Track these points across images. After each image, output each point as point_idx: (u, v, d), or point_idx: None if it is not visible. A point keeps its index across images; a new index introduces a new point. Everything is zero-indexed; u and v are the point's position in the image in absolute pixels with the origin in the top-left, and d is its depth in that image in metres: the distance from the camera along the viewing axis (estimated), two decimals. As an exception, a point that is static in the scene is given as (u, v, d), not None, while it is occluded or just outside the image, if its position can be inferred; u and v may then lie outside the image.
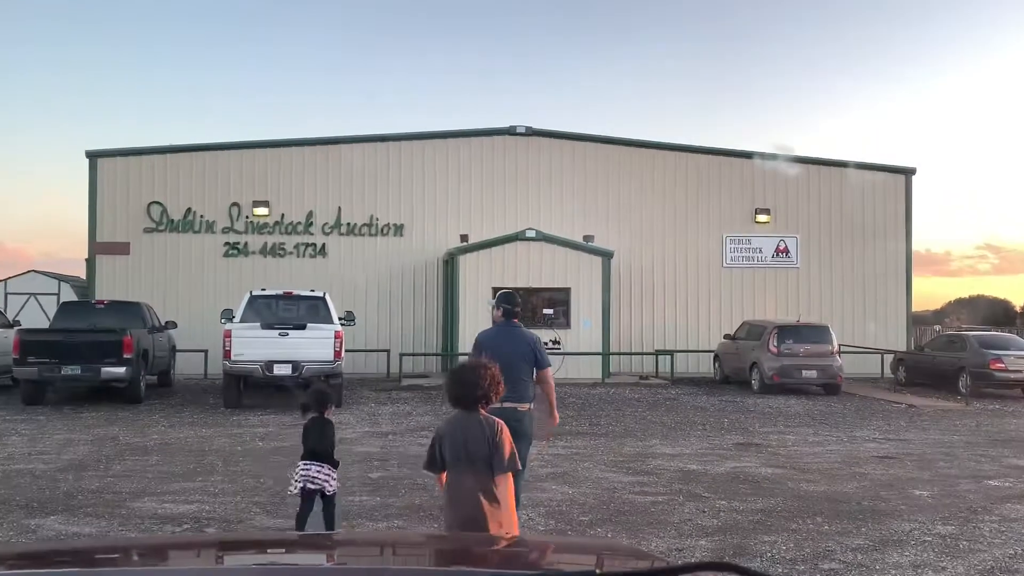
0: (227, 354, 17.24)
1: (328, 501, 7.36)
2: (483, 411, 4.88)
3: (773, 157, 28.15)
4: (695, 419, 16.68)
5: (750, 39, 77.92)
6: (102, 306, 19.96)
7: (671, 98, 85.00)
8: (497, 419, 4.91)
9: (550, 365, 7.71)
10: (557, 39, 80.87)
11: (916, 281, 28.68)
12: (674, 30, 76.94)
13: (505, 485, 4.76)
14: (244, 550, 3.04)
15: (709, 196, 27.75)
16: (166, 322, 21.25)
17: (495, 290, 24.02)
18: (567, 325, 24.08)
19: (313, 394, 7.70)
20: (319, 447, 7.34)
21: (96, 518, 8.58)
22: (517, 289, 23.62)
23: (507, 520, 4.74)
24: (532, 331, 8.10)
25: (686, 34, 77.73)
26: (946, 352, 22.74)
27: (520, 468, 5.20)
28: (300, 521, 7.27)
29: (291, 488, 7.40)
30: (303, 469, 7.29)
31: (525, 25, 79.54)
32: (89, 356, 17.27)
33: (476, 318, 23.81)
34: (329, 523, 7.30)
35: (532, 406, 7.19)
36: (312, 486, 7.25)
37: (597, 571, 1.83)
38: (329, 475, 7.28)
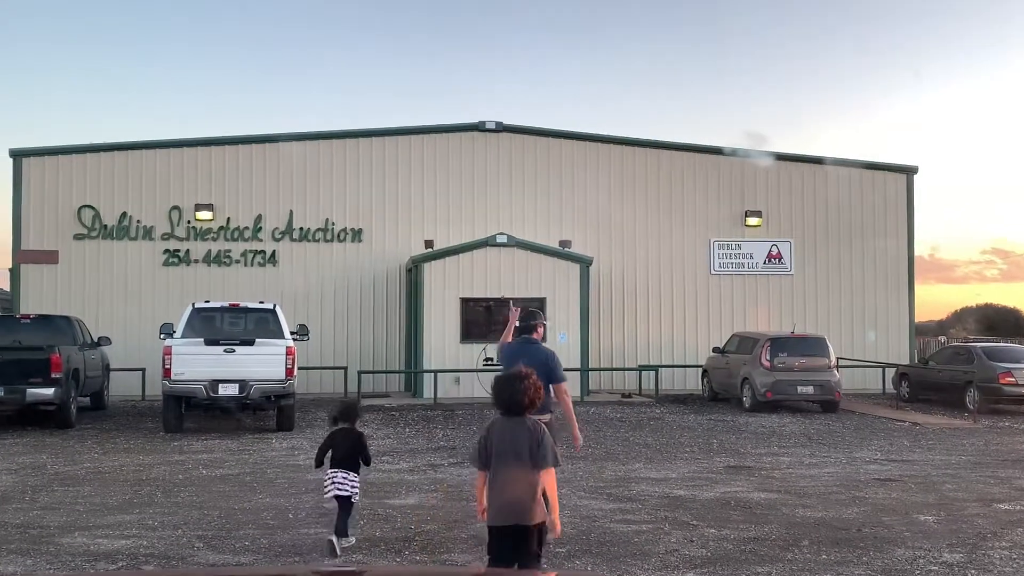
0: (167, 373, 17.09)
1: (349, 505, 8.75)
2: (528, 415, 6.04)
3: (746, 154, 28.28)
4: (682, 440, 16.73)
5: (746, 35, 78.63)
6: (27, 321, 19.71)
7: (660, 96, 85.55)
8: (539, 422, 6.14)
9: (565, 380, 8.75)
10: (532, 32, 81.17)
11: (919, 289, 29.03)
12: (667, 23, 77.48)
13: (551, 477, 5.96)
14: None
15: (695, 197, 27.91)
16: (99, 338, 21.04)
17: (463, 300, 24.19)
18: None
19: (342, 406, 9.21)
20: (347, 456, 8.76)
21: (20, 555, 8.46)
22: (488, 299, 24.01)
23: (551, 506, 5.99)
24: (549, 348, 9.28)
25: (679, 28, 78.32)
26: (952, 365, 22.97)
27: (560, 464, 6.25)
28: (339, 521, 8.64)
29: (325, 496, 8.92)
30: (332, 477, 8.69)
31: (494, 17, 79.79)
32: (13, 376, 17.05)
33: (443, 332, 23.83)
34: (343, 526, 8.62)
35: (552, 418, 7.84)
36: (342, 492, 8.65)
37: None
38: (355, 483, 8.72)
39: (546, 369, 8.34)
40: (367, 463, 8.98)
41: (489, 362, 23.80)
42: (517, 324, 9.35)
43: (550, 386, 8.33)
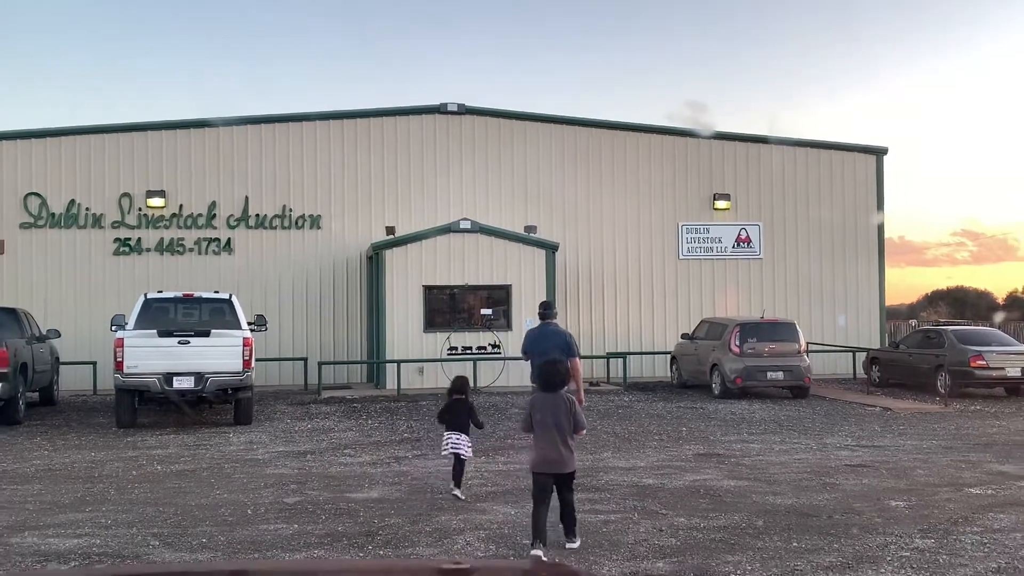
0: (119, 366, 16.93)
1: (462, 463, 10.82)
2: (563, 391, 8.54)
3: (714, 134, 28.50)
4: (651, 428, 16.83)
5: (717, 17, 78.85)
6: (-28, 314, 19.45)
7: (628, 79, 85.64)
8: (570, 395, 8.65)
9: (577, 355, 11.76)
10: (498, 13, 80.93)
11: (890, 272, 29.44)
12: (638, 6, 77.53)
13: (583, 431, 8.59)
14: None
15: (663, 181, 28.01)
16: (48, 331, 20.82)
17: (426, 288, 24.15)
18: (508, 327, 24.10)
19: (456, 381, 11.39)
20: (461, 422, 10.85)
21: (-32, 557, 8.36)
22: (452, 287, 23.98)
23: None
24: (566, 329, 12.65)
25: (650, 11, 78.36)
26: (923, 349, 23.25)
27: (584, 427, 8.65)
28: (456, 475, 10.81)
29: (443, 453, 11.08)
30: (449, 439, 10.80)
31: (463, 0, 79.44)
32: (-43, 371, 16.83)
33: (406, 320, 23.79)
34: (458, 477, 10.79)
35: (567, 389, 9.05)
36: (456, 451, 10.74)
37: None
38: (468, 443, 10.85)
39: (565, 346, 11.46)
40: (479, 427, 11.27)
41: (454, 351, 23.83)
42: (538, 312, 12.65)
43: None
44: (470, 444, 10.96)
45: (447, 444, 10.88)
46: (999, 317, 40.22)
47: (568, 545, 8.49)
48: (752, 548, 8.49)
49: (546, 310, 12.52)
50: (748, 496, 10.80)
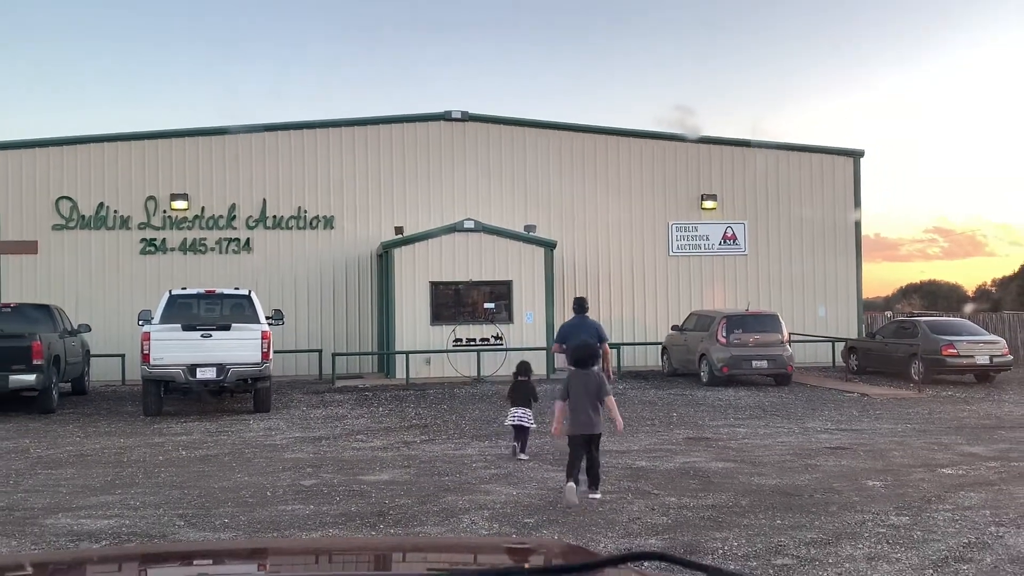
0: (146, 358, 16.94)
1: (525, 432, 12.26)
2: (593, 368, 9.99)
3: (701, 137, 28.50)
4: (643, 414, 16.83)
5: (703, 25, 78.75)
6: (8, 309, 19.46)
7: (620, 85, 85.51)
8: (600, 373, 10.27)
9: (607, 340, 13.03)
10: (498, 23, 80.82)
11: (866, 267, 29.41)
12: (629, 14, 77.40)
13: (611, 399, 9.72)
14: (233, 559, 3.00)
15: (654, 182, 27.99)
16: (79, 325, 20.81)
17: (433, 284, 24.13)
18: (509, 320, 24.10)
19: (521, 365, 12.86)
20: (523, 399, 12.30)
21: (6, 537, 8.37)
22: (457, 282, 23.97)
23: (613, 413, 9.72)
24: (597, 321, 13.72)
25: (641, 21, 78.26)
26: (898, 339, 23.25)
27: (610, 394, 9.77)
28: (522, 443, 12.25)
29: (508, 423, 12.46)
30: (515, 412, 12.25)
31: (462, 10, 79.37)
32: (-5, 364, 16.83)
33: (414, 314, 23.79)
34: (523, 445, 12.26)
35: (598, 368, 10.44)
36: (520, 422, 12.22)
37: (525, 566, 1.84)
38: (530, 416, 12.30)
39: (597, 333, 12.72)
40: (536, 401, 12.60)
41: (459, 343, 23.82)
42: (573, 307, 13.47)
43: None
44: (531, 416, 12.42)
45: (512, 416, 12.31)
46: (969, 308, 40.17)
47: (591, 496, 9.52)
48: (739, 525, 8.50)
49: (580, 305, 13.36)
50: (735, 477, 10.81)
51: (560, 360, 14.04)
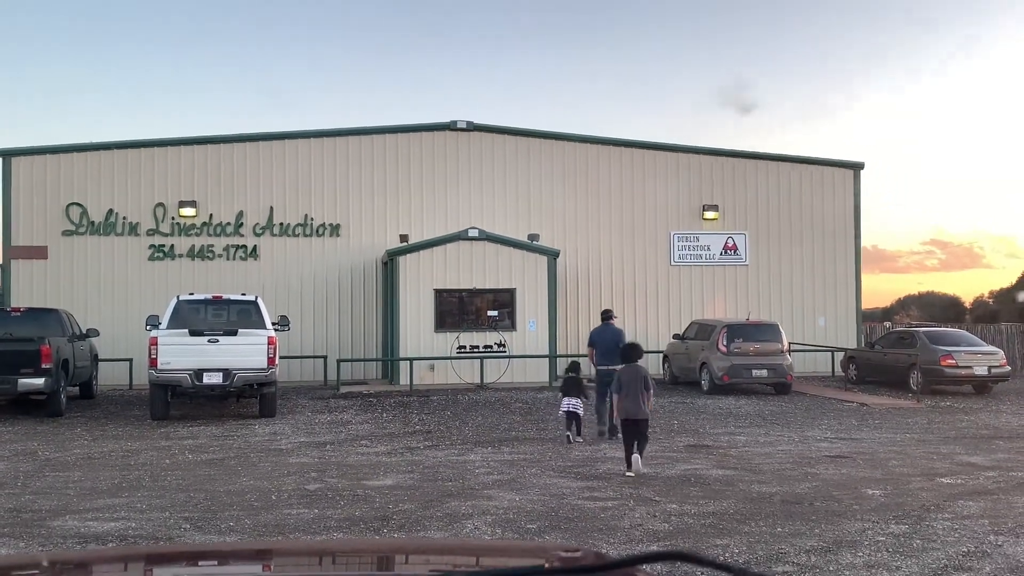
0: (153, 363, 16.93)
1: (578, 418, 14.27)
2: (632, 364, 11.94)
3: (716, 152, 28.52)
4: (645, 422, 16.77)
5: (702, 36, 78.84)
6: (18, 313, 19.45)
7: (623, 95, 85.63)
8: (646, 369, 11.88)
9: (624, 343, 13.66)
10: (503, 35, 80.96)
11: (865, 278, 29.28)
12: (632, 25, 77.53)
13: (652, 395, 11.69)
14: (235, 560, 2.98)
15: (656, 192, 27.99)
16: (87, 330, 20.81)
17: (437, 292, 24.12)
18: (512, 327, 24.08)
19: (570, 364, 14.98)
20: (574, 391, 14.26)
21: (13, 539, 8.35)
22: (460, 290, 23.97)
23: (649, 404, 11.59)
24: (621, 328, 15.80)
25: (641, 31, 78.36)
26: (897, 349, 23.20)
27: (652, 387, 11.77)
28: (576, 428, 14.26)
29: (561, 411, 14.44)
30: (568, 401, 14.20)
31: (468, 21, 79.52)
32: (5, 367, 16.83)
33: (418, 321, 23.78)
34: (579, 427, 14.34)
35: (620, 368, 12.31)
36: (571, 409, 14.18)
37: (545, 565, 1.83)
38: (580, 404, 14.22)
39: (620, 338, 14.51)
40: (586, 397, 14.49)
41: (462, 350, 23.80)
42: (602, 316, 15.87)
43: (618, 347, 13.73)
44: (581, 405, 14.27)
45: (565, 405, 14.26)
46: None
47: (634, 456, 11.42)
48: (739, 532, 8.47)
49: (607, 315, 15.71)
50: (735, 484, 10.77)
51: (586, 361, 16.28)
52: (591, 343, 15.39)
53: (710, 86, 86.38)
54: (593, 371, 15.44)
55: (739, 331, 22.23)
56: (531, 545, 5.19)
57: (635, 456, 11.37)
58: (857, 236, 29.02)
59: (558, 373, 24.61)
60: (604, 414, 14.49)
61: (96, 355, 21.67)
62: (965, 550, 7.89)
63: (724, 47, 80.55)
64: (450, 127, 27.20)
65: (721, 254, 28.09)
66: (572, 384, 14.43)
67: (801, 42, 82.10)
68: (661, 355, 25.64)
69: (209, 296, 18.84)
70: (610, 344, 14.52)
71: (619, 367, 12.38)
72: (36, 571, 2.70)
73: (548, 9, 79.81)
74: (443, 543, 4.18)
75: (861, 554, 7.74)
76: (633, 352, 12.13)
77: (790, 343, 22.97)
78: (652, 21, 79.40)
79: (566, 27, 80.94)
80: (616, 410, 11.88)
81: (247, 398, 18.20)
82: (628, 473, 11.25)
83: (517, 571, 1.85)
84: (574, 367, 14.87)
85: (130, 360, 23.43)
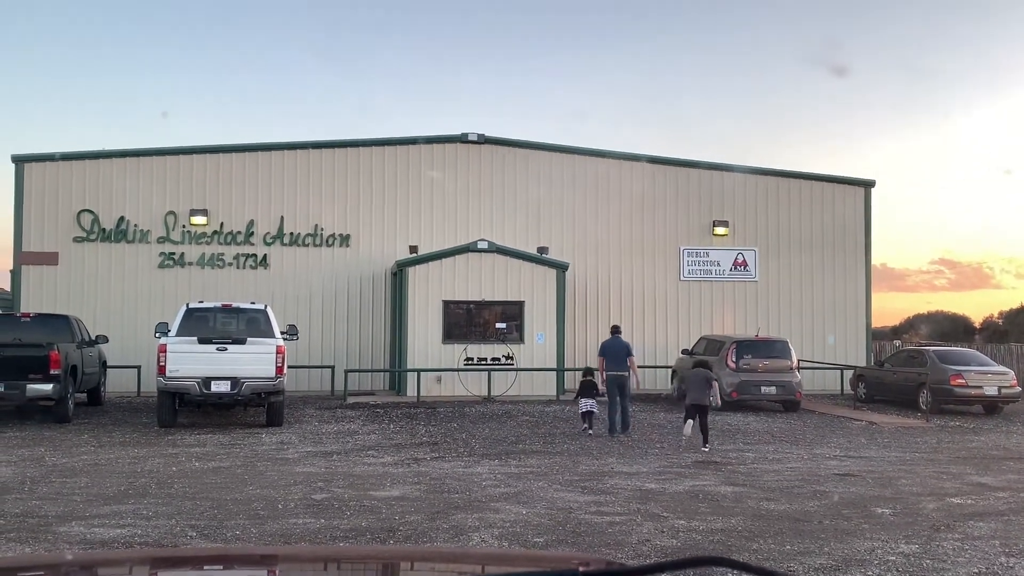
0: (161, 370, 16.94)
1: (592, 416, 16.94)
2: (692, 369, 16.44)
3: (729, 168, 28.50)
4: (652, 437, 16.74)
5: (717, 54, 78.90)
6: (28, 319, 19.50)
7: (634, 109, 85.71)
8: (709, 372, 15.87)
9: (632, 355, 17.38)
10: (511, 46, 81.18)
11: (874, 297, 29.13)
12: (643, 40, 77.67)
13: (715, 386, 15.77)
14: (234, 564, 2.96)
15: (666, 207, 27.97)
16: (96, 336, 20.85)
17: (445, 303, 24.12)
18: (520, 340, 24.05)
19: (586, 369, 18.11)
20: (589, 393, 17.02)
21: (19, 544, 8.34)
22: (469, 302, 23.96)
23: (716, 398, 15.84)
24: (627, 340, 17.94)
25: (653, 46, 78.50)
26: (906, 368, 23.09)
27: (715, 382, 15.76)
28: (589, 423, 16.93)
29: (581, 410, 17.10)
30: (585, 402, 17.00)
31: (477, 30, 79.76)
32: (13, 372, 16.86)
33: (426, 332, 23.77)
34: (591, 424, 16.91)
35: (628, 374, 17.00)
36: (588, 408, 16.93)
37: (580, 569, 1.80)
38: (595, 404, 16.95)
39: (627, 349, 17.27)
40: (599, 396, 17.13)
41: (470, 362, 23.77)
42: (611, 330, 18.05)
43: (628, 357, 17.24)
44: (596, 405, 16.99)
45: (584, 406, 17.02)
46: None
47: (702, 448, 14.92)
48: (748, 550, 8.40)
49: (616, 329, 17.90)
50: (744, 501, 10.71)
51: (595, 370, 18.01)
52: (602, 353, 17.60)
53: (724, 103, 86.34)
54: (604, 378, 17.37)
55: (748, 347, 22.15)
56: (556, 555, 5.17)
57: (689, 422, 15.29)
58: (868, 254, 28.93)
59: (566, 387, 24.63)
60: (614, 415, 16.90)
61: (105, 361, 21.70)
62: (976, 571, 7.81)
63: (735, 65, 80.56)
64: (461, 139, 27.24)
65: (731, 270, 28.03)
66: (588, 387, 17.18)
67: (815, 62, 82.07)
68: (670, 370, 25.56)
69: (219, 304, 18.85)
70: (620, 353, 17.16)
71: (626, 372, 16.98)
72: (41, 572, 2.68)
73: (562, 21, 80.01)
74: (470, 552, 4.16)
75: (871, 573, 7.67)
76: (702, 364, 16.37)
77: (799, 360, 22.87)
78: (659, 34, 79.50)
79: (580, 43, 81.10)
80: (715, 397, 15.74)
81: (255, 407, 18.20)
82: (687, 432, 15.29)
83: (552, 573, 1.83)
84: (588, 371, 17.70)
85: (138, 367, 23.46)
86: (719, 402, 16.12)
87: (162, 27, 76.19)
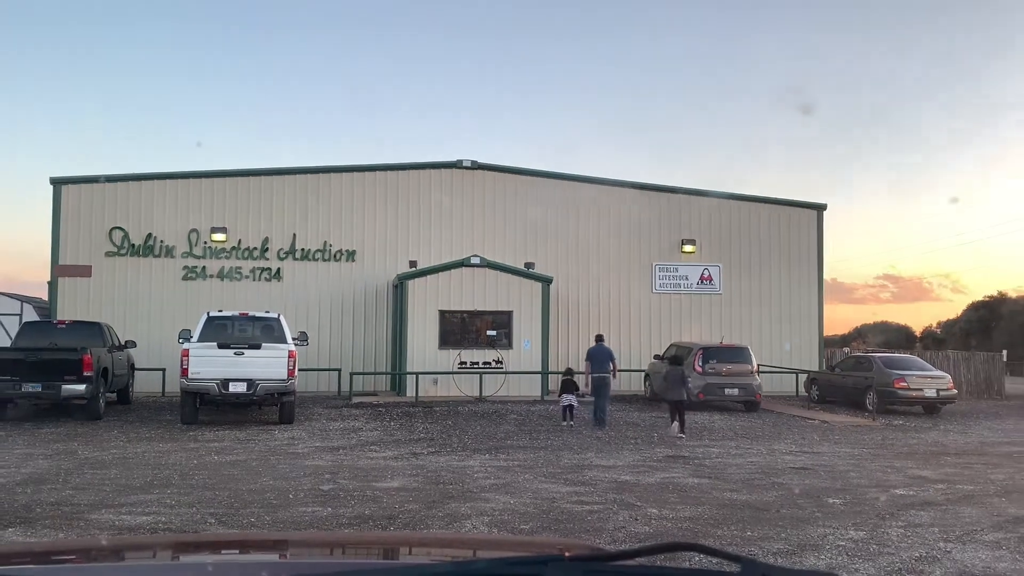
0: (184, 372, 16.87)
1: (573, 409, 17.42)
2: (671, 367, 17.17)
3: (704, 193, 28.59)
4: (627, 434, 16.72)
5: (687, 86, 79.25)
6: (63, 326, 19.41)
7: (612, 137, 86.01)
8: (684, 369, 17.16)
9: (615, 359, 18.03)
10: (508, 82, 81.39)
11: (825, 308, 29.16)
12: (620, 77, 77.97)
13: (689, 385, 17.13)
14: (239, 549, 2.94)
15: (640, 227, 28.03)
16: (125, 341, 20.76)
17: (442, 313, 24.10)
18: (509, 346, 24.05)
19: (567, 369, 18.39)
20: (569, 389, 17.44)
21: (54, 530, 8.27)
22: (463, 311, 23.94)
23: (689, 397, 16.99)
24: (609, 347, 18.48)
25: (631, 81, 78.81)
26: (855, 372, 23.16)
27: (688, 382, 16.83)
28: (570, 416, 17.41)
29: (562, 404, 17.55)
30: (566, 397, 17.46)
31: (472, 65, 79.98)
32: (50, 374, 16.78)
33: (424, 339, 23.72)
34: (571, 417, 17.39)
35: (611, 376, 17.61)
36: (569, 403, 17.33)
37: (566, 554, 1.79)
38: (576, 399, 17.45)
39: (610, 355, 17.93)
40: (581, 394, 17.68)
41: (463, 365, 23.73)
42: (595, 338, 18.92)
43: (610, 361, 17.84)
44: (576, 400, 17.46)
45: (565, 401, 17.44)
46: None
47: (679, 435, 15.83)
48: (712, 536, 8.40)
49: (599, 338, 18.69)
50: (709, 492, 10.71)
51: (583, 372, 18.53)
52: (588, 358, 18.20)
53: (690, 130, 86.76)
54: (589, 379, 17.91)
55: (713, 353, 22.18)
56: (542, 540, 5.15)
57: (674, 424, 15.95)
58: (820, 269, 29.05)
59: (550, 388, 24.62)
60: (602, 409, 17.56)
61: (133, 364, 21.59)
62: (917, 555, 7.83)
63: (702, 96, 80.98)
64: (456, 165, 27.27)
65: (698, 284, 28.10)
66: (569, 385, 17.74)
67: (773, 94, 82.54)
68: (643, 374, 25.57)
69: (236, 313, 18.78)
70: (604, 358, 17.87)
71: (608, 374, 17.60)
72: (70, 556, 2.66)
73: (546, 68, 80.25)
74: (463, 537, 4.14)
75: (823, 557, 7.68)
76: (677, 360, 17.30)
77: (759, 365, 22.90)
78: (639, 75, 79.85)
79: (562, 76, 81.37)
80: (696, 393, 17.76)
81: (268, 406, 18.13)
82: (673, 431, 16.01)
83: (537, 559, 1.82)
84: (569, 371, 18.32)
85: (163, 370, 23.33)
86: (694, 396, 17.40)
87: (186, 57, 76.03)
